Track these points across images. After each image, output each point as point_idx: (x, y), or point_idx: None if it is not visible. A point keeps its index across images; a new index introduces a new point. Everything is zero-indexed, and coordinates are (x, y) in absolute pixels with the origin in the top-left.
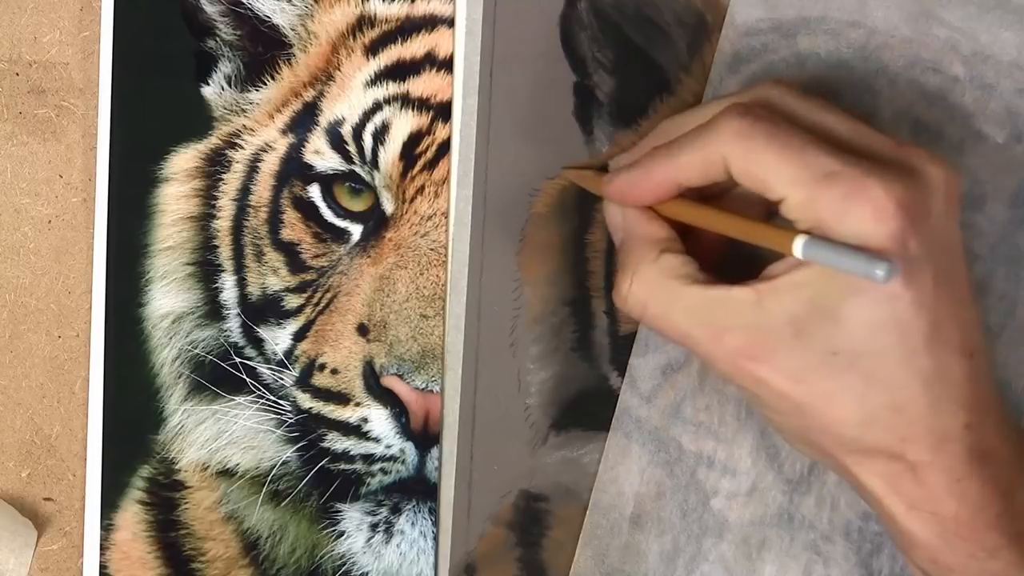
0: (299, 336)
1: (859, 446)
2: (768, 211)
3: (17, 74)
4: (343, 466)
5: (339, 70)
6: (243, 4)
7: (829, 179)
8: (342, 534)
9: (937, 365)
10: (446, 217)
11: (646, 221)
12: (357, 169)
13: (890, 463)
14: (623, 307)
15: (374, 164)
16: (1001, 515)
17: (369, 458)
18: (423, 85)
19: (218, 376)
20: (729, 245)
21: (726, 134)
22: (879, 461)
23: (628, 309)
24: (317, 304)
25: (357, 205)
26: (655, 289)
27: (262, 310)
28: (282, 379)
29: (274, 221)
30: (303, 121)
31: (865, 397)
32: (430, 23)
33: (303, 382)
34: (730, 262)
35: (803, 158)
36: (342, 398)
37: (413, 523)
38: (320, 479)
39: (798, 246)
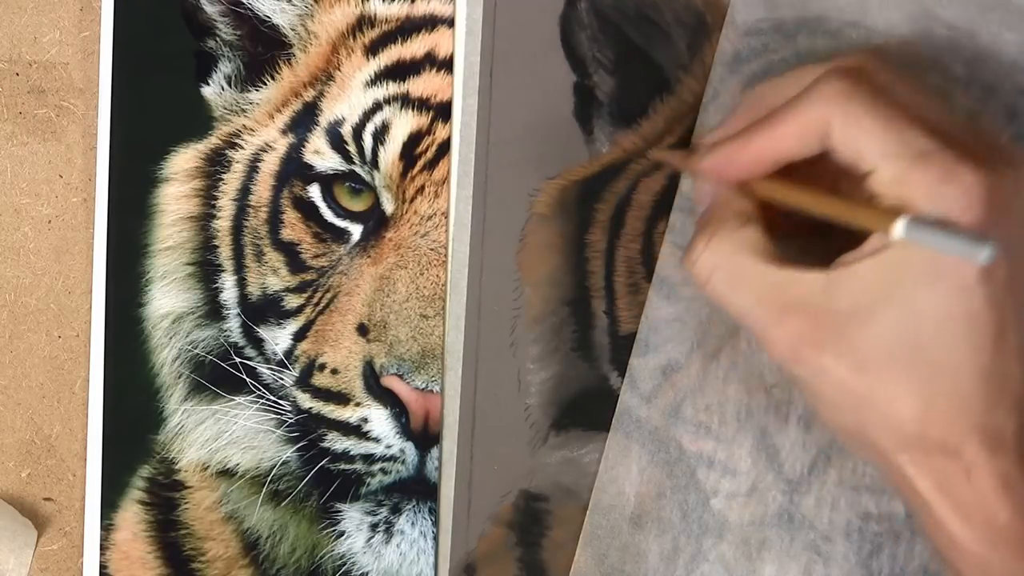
0: (299, 336)
1: (917, 442)
2: (833, 191)
3: (17, 74)
4: (343, 466)
5: (339, 70)
6: (243, 4)
7: (923, 158)
8: (342, 534)
9: (998, 364)
10: (446, 217)
11: (736, 195)
12: (357, 169)
13: (945, 462)
14: (690, 271)
15: (374, 164)
16: None
17: (369, 458)
18: (423, 85)
19: (218, 376)
20: (803, 237)
21: (829, 94)
22: (935, 459)
23: (695, 274)
24: (317, 304)
25: (357, 205)
26: (726, 259)
27: (262, 310)
28: (282, 379)
29: (274, 221)
30: (303, 121)
31: (928, 391)
32: (430, 23)
33: (303, 382)
34: (805, 258)
35: (900, 133)
36: (342, 398)
37: (413, 523)
38: (320, 479)
39: (900, 224)
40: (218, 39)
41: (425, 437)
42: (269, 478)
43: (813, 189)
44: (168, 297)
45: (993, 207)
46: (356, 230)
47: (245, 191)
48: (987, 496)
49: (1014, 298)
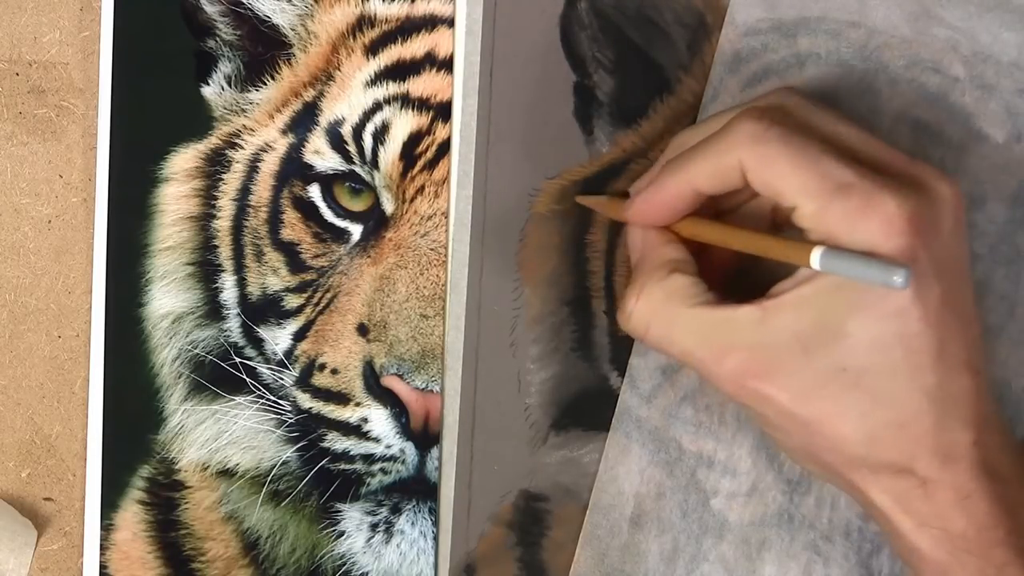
0: (299, 336)
1: (866, 463)
2: (774, 226)
3: (17, 74)
4: (343, 466)
5: (339, 70)
6: (243, 4)
7: (842, 191)
8: (342, 534)
9: (944, 382)
10: (446, 217)
11: (662, 243)
12: (357, 169)
13: (898, 479)
14: (626, 326)
15: (374, 164)
16: (1010, 532)
17: (369, 458)
18: (423, 85)
19: (218, 376)
20: (739, 265)
21: (742, 138)
22: (887, 477)
23: (631, 328)
24: (317, 304)
25: (357, 205)
26: (659, 309)
27: (262, 310)
28: (282, 379)
29: (274, 221)
30: (303, 121)
31: (871, 414)
32: (430, 23)
33: (303, 382)
34: (742, 284)
35: (817, 168)
36: (342, 398)
37: (413, 523)
38: (320, 479)
39: (815, 257)
40: (218, 39)
41: (425, 437)
42: (269, 478)
43: (733, 227)
44: (168, 297)
45: (917, 231)
46: (356, 230)
47: (245, 191)
48: (943, 508)
49: (954, 313)
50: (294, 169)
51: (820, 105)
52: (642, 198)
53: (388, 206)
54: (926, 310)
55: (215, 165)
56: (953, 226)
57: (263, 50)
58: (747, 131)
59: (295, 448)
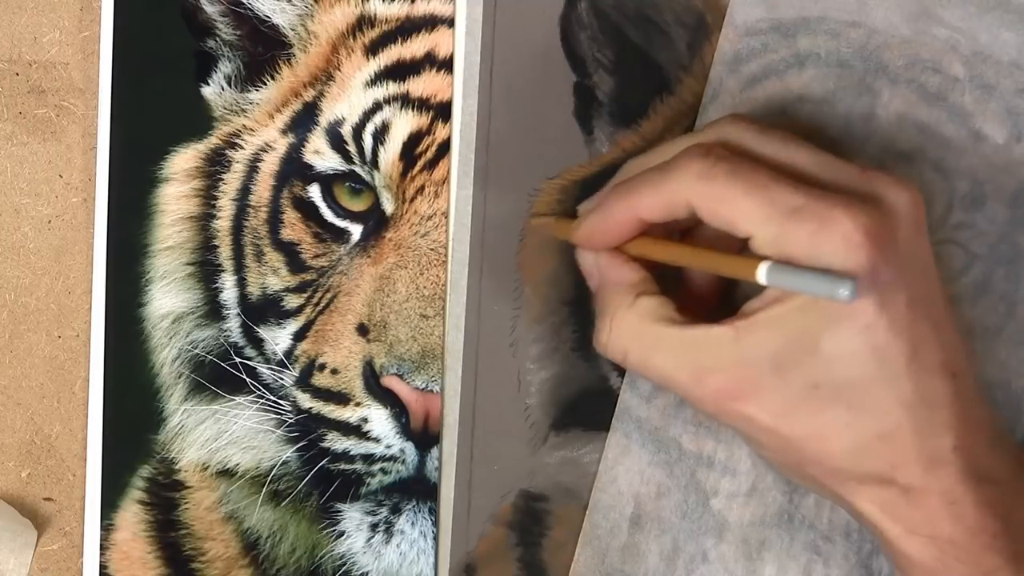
0: (299, 336)
1: (850, 475)
2: (741, 244)
3: (17, 74)
4: (343, 466)
5: (339, 70)
6: (243, 4)
7: (795, 214)
8: (342, 534)
9: (920, 388)
10: (446, 217)
11: (619, 265)
12: (357, 169)
13: (883, 489)
14: (604, 354)
15: (374, 164)
16: (998, 536)
17: (369, 458)
18: (423, 85)
19: (218, 376)
20: (724, 283)
21: (687, 176)
22: (872, 488)
23: (610, 356)
24: (317, 304)
25: (357, 205)
26: (634, 335)
27: (262, 310)
28: (282, 379)
29: (274, 221)
30: (303, 121)
31: (851, 427)
32: (430, 23)
33: (303, 382)
34: (722, 303)
35: (767, 195)
36: (342, 398)
37: (413, 523)
38: (320, 479)
39: (761, 272)
40: (218, 39)
41: (425, 437)
42: (269, 478)
43: (682, 245)
44: (168, 297)
45: (875, 244)
46: (356, 230)
47: (245, 191)
48: (931, 514)
49: (924, 317)
50: (294, 169)
51: (765, 129)
52: (589, 223)
53: (388, 206)
54: (893, 319)
55: (215, 165)
56: (913, 233)
57: (263, 50)
58: (693, 170)
59: (295, 448)
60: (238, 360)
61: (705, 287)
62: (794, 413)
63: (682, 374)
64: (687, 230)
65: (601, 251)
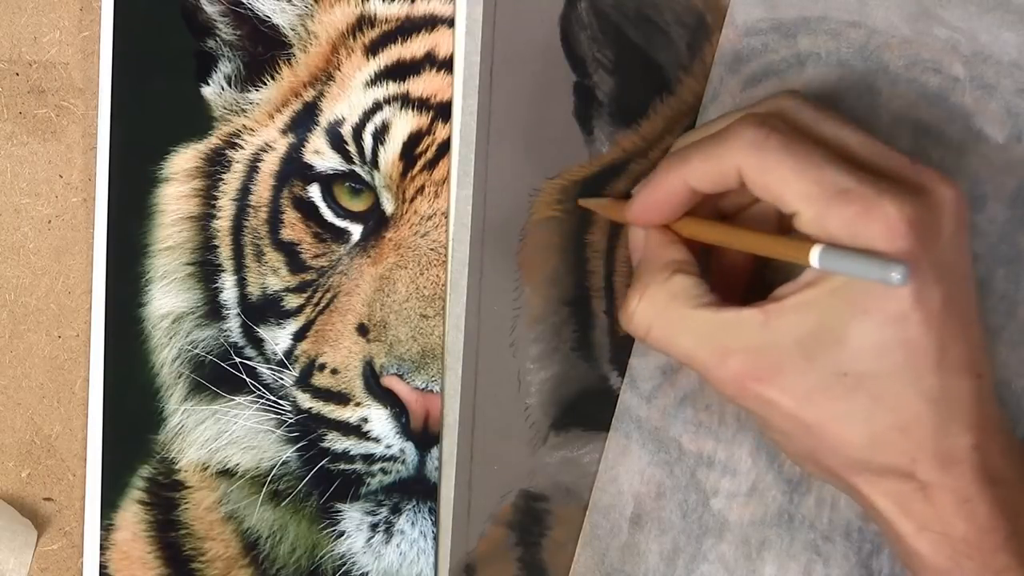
0: (299, 336)
1: (868, 466)
2: (781, 229)
3: (17, 74)
4: (343, 466)
5: (339, 70)
6: (243, 4)
7: (842, 196)
8: (342, 534)
9: (945, 385)
10: (446, 217)
11: (664, 244)
12: (357, 169)
13: (899, 483)
14: (627, 326)
15: (374, 164)
16: (1010, 537)
17: (369, 458)
18: (423, 85)
19: (218, 376)
20: (753, 269)
21: (741, 144)
22: (888, 481)
23: (632, 329)
24: (317, 304)
25: (357, 205)
26: (661, 310)
27: (262, 310)
28: (282, 379)
29: (274, 221)
30: (303, 121)
31: (873, 418)
32: (430, 23)
33: (303, 382)
34: (754, 288)
35: (817, 173)
36: (342, 398)
37: (413, 523)
38: (320, 479)
39: (814, 255)
40: (218, 39)
41: (425, 437)
42: (269, 478)
43: (732, 227)
44: (168, 297)
45: (918, 236)
46: (356, 230)
47: (245, 191)
48: (944, 512)
49: (956, 316)
50: (294, 169)
51: (821, 108)
52: (640, 197)
53: (388, 206)
54: (927, 314)
55: (215, 165)
56: (955, 229)
57: (263, 50)
58: (747, 138)
59: (295, 448)
60: (238, 360)
61: (735, 272)
62: (817, 399)
63: (705, 353)
64: (728, 218)
65: (651, 228)
